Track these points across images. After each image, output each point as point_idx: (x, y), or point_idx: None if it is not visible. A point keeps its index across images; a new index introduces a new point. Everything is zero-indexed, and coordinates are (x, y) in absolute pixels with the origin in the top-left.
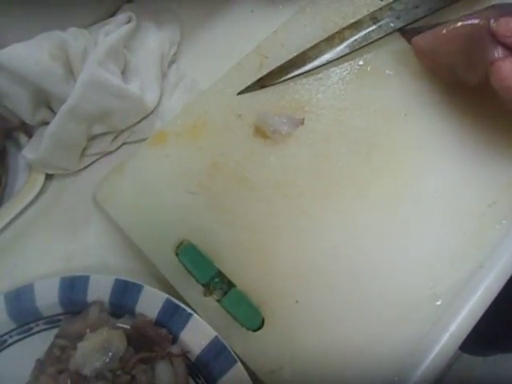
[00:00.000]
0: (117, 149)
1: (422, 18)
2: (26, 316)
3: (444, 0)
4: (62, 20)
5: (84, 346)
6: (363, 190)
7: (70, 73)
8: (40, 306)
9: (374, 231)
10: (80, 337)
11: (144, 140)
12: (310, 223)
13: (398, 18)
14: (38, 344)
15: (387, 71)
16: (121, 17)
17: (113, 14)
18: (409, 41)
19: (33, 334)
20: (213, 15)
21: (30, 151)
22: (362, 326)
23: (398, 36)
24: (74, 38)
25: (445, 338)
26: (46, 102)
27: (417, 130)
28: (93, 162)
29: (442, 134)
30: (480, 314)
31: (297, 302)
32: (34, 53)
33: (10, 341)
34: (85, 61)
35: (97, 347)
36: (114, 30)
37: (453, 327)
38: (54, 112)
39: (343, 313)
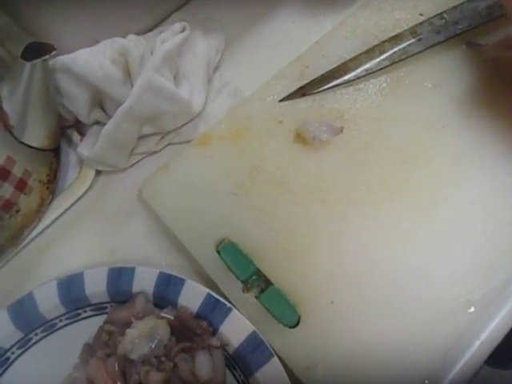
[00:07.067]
0: (161, 149)
1: (462, 33)
2: (75, 302)
3: (483, 17)
4: (118, 26)
5: (132, 333)
6: (399, 198)
7: (128, 77)
8: (89, 293)
9: (408, 238)
10: (127, 324)
11: (188, 142)
12: (346, 227)
13: (438, 32)
14: (85, 329)
15: (426, 84)
16: (176, 26)
17: (161, 22)
18: (475, 50)
19: (80, 320)
20: (255, 25)
21: (85, 148)
22: (395, 328)
23: (437, 50)
24: (134, 44)
25: (476, 346)
26: (101, 102)
27: (454, 142)
28: (138, 161)
29: (479, 146)
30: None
31: (332, 302)
32: (98, 58)
33: (59, 324)
34: (142, 66)
35: (144, 334)
36: (170, 38)
37: (484, 335)
38: (106, 113)
39: (376, 315)
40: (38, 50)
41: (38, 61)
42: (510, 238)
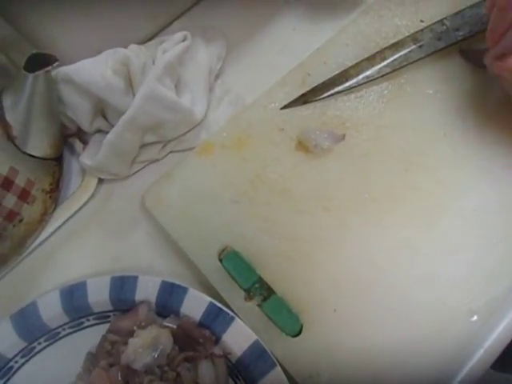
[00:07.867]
0: (163, 157)
1: (463, 39)
2: (78, 311)
3: (484, 23)
4: (120, 36)
5: (135, 342)
6: (401, 205)
7: (130, 86)
8: (91, 302)
9: (411, 245)
10: (129, 333)
11: (190, 149)
12: (349, 235)
13: (438, 39)
14: (88, 338)
15: (427, 90)
16: (177, 35)
17: (162, 30)
18: (468, 60)
19: (83, 329)
20: (256, 32)
21: (87, 157)
22: (398, 337)
23: (438, 56)
24: (135, 54)
25: (479, 354)
26: (103, 112)
27: (455, 149)
28: (140, 169)
29: (481, 152)
30: None
31: (335, 310)
32: (100, 68)
33: (62, 333)
34: (144, 75)
35: (147, 344)
36: (171, 48)
37: (487, 343)
38: (108, 121)
39: (380, 323)
40: (40, 61)
41: (41, 72)
42: None
